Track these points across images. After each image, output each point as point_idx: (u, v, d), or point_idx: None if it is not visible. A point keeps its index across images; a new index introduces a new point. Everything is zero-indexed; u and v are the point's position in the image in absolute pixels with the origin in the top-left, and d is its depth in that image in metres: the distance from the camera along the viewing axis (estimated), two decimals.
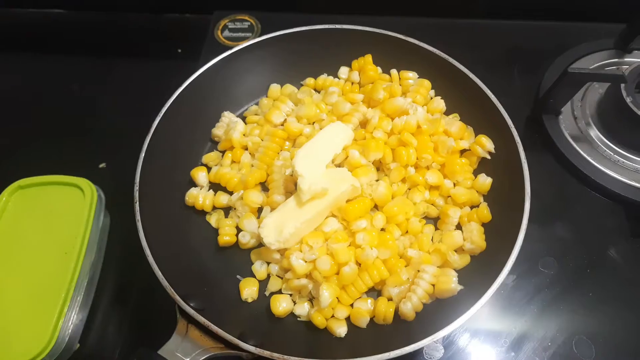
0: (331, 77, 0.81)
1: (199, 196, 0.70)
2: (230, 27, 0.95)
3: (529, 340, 0.64)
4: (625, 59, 0.84)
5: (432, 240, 0.66)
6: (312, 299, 0.63)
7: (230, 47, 0.76)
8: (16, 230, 0.67)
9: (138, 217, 0.61)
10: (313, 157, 0.64)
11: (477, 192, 0.69)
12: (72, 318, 0.61)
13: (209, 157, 0.75)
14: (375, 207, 0.68)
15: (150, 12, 1.03)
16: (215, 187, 0.72)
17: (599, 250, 0.71)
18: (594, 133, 0.78)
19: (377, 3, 0.95)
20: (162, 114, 0.69)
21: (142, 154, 0.66)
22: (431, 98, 0.76)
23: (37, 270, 0.63)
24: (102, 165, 0.81)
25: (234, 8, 0.98)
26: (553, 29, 0.93)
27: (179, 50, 0.97)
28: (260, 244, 0.65)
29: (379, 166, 0.71)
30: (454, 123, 0.71)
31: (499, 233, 0.64)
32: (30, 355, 0.57)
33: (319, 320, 0.59)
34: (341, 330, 0.59)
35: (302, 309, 0.61)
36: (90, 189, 0.68)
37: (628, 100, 0.72)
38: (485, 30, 0.95)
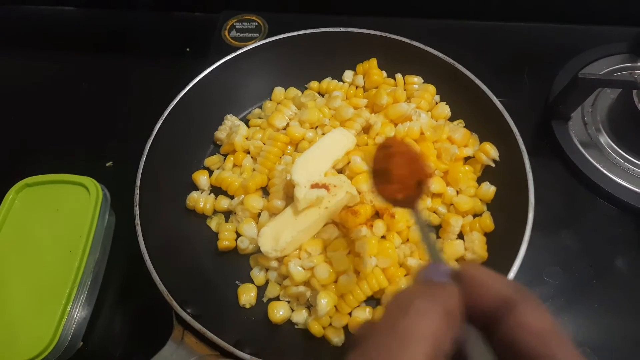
0: (335, 81, 0.80)
1: (200, 200, 0.70)
2: (237, 27, 0.95)
3: None
4: (639, 64, 0.82)
5: None
6: (310, 307, 0.62)
7: (237, 48, 0.76)
8: (22, 228, 0.68)
9: (137, 221, 0.61)
10: (311, 165, 0.63)
11: (480, 200, 0.68)
12: (75, 316, 0.62)
13: (211, 160, 0.75)
14: (377, 214, 0.67)
15: (159, 9, 1.02)
16: (217, 190, 0.72)
17: (606, 260, 0.69)
18: (604, 139, 0.76)
19: (385, 4, 0.94)
20: (164, 117, 0.69)
21: (144, 157, 0.66)
22: (436, 103, 0.74)
23: (42, 267, 0.64)
24: (108, 164, 0.81)
25: (241, 8, 0.97)
26: (564, 32, 0.91)
27: (188, 49, 0.97)
28: (259, 250, 0.64)
29: None
30: (458, 130, 0.70)
31: (502, 242, 0.63)
32: (33, 352, 0.57)
33: (316, 329, 0.59)
34: (338, 339, 0.59)
35: (300, 317, 0.61)
36: (96, 188, 0.68)
37: None
38: (494, 33, 0.93)
